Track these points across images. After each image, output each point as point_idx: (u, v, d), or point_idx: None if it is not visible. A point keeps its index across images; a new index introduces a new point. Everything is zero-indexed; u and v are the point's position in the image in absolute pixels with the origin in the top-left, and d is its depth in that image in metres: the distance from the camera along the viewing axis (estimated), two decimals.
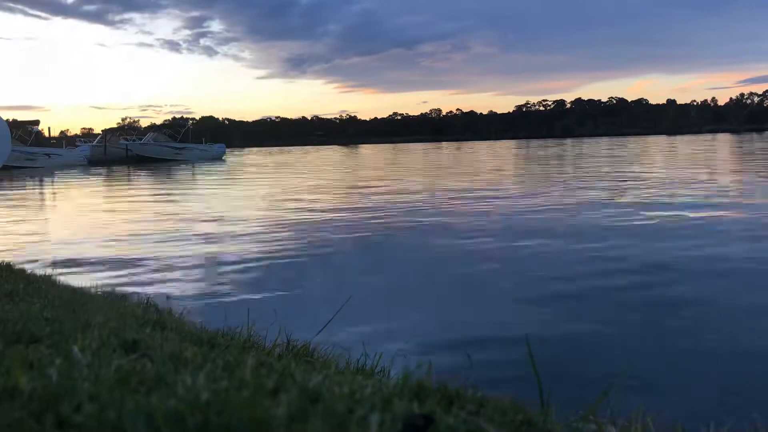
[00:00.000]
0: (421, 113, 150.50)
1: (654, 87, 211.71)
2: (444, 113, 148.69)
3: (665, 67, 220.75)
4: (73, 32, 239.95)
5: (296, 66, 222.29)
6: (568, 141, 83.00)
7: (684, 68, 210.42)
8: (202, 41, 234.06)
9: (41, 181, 32.70)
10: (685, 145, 53.43)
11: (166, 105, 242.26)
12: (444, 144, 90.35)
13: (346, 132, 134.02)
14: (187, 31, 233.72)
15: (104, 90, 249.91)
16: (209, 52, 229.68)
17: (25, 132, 48.18)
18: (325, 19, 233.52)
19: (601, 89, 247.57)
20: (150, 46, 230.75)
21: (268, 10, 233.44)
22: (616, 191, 17.60)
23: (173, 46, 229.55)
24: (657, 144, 59.79)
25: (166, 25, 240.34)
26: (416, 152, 60.49)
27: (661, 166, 28.33)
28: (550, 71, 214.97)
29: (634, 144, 61.18)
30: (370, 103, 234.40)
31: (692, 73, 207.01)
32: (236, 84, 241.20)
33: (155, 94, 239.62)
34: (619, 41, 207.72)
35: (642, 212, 13.01)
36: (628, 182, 20.31)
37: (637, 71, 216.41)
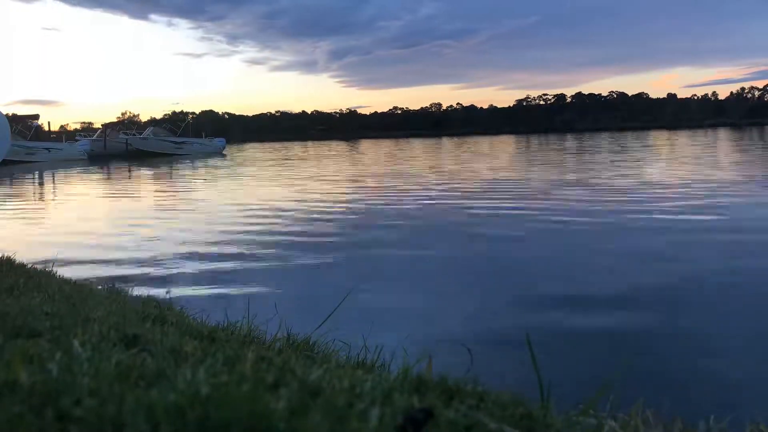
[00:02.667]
0: (422, 107, 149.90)
1: (679, 81, 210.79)
2: (444, 108, 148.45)
3: (681, 61, 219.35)
4: (147, 27, 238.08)
5: (335, 59, 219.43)
6: (569, 136, 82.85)
7: (710, 62, 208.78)
8: (261, 36, 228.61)
9: (41, 175, 32.68)
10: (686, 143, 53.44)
11: (193, 100, 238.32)
12: (444, 139, 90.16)
13: (345, 127, 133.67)
14: (257, 24, 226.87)
15: (149, 86, 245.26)
16: (261, 46, 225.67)
17: (24, 126, 48.12)
18: (392, 15, 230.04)
19: (620, 84, 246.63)
20: (209, 40, 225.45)
21: (348, 3, 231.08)
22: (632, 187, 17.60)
23: (231, 40, 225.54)
24: (671, 140, 59.74)
25: (238, 19, 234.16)
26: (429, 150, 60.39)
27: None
28: (556, 66, 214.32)
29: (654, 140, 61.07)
30: (371, 98, 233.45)
31: (718, 67, 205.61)
32: (255, 80, 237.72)
33: (192, 91, 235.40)
34: (633, 35, 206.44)
35: (650, 212, 13.02)
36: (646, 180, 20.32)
37: (654, 66, 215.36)
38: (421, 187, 19.30)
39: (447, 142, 73.30)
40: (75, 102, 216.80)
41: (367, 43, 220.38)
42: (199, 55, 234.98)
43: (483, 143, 65.25)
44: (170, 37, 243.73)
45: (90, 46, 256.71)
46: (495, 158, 35.60)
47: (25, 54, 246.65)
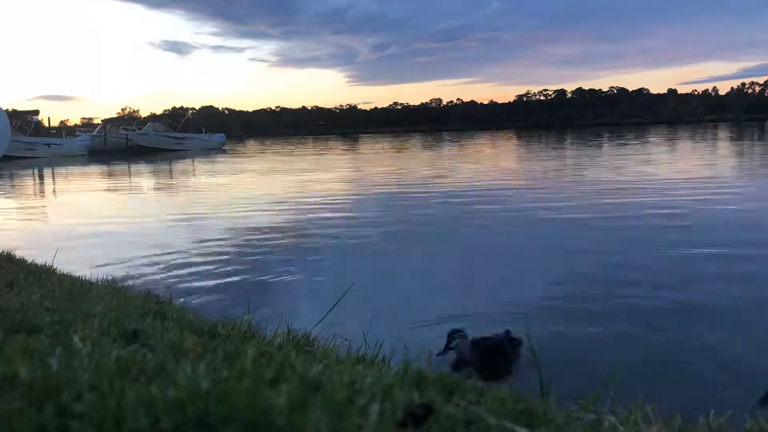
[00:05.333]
0: (422, 103, 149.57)
1: (680, 77, 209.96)
2: (444, 103, 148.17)
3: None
4: (210, 28, 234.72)
5: (378, 50, 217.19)
6: (569, 132, 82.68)
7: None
8: (312, 30, 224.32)
9: (40, 171, 32.64)
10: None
11: (211, 97, 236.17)
12: (445, 136, 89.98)
13: (345, 122, 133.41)
14: (319, 20, 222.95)
15: (175, 82, 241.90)
16: (305, 42, 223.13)
17: (24, 122, 47.99)
18: (459, 13, 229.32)
19: (620, 79, 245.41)
20: (263, 36, 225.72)
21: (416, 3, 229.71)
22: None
23: (285, 35, 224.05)
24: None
25: (308, 13, 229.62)
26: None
27: None
28: (556, 61, 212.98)
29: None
30: (373, 94, 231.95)
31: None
32: (272, 77, 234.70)
33: (216, 89, 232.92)
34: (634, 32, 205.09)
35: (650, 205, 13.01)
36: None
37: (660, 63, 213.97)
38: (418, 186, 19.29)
39: (449, 141, 73.09)
40: (87, 98, 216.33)
41: (404, 39, 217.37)
42: (241, 49, 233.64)
43: (497, 141, 65.09)
44: (218, 37, 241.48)
45: (117, 42, 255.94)
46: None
47: (40, 49, 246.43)
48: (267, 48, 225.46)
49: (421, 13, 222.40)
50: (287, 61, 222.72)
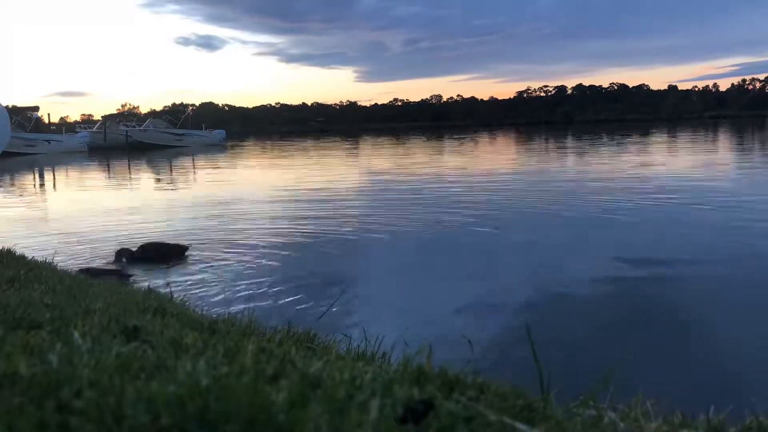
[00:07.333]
0: (422, 99, 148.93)
1: (680, 73, 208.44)
2: (444, 99, 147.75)
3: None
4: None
5: (408, 45, 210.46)
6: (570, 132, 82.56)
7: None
8: (348, 22, 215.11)
9: (41, 167, 32.63)
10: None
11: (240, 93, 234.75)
12: (445, 133, 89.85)
13: (345, 119, 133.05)
14: (371, 15, 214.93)
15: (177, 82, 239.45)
16: (332, 36, 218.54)
17: (24, 118, 47.95)
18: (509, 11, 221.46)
19: (621, 76, 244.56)
20: (298, 31, 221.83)
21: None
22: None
23: (324, 31, 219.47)
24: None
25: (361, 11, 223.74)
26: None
27: None
28: (557, 58, 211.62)
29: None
30: (374, 90, 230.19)
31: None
32: (287, 75, 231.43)
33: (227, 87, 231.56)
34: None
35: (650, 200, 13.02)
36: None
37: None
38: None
39: (440, 139, 73.11)
40: (104, 94, 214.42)
41: (437, 35, 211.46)
42: (273, 44, 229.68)
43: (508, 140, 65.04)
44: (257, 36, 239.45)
45: (152, 37, 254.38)
46: None
47: (55, 46, 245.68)
48: (295, 44, 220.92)
49: (465, 9, 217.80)
50: (308, 58, 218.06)
